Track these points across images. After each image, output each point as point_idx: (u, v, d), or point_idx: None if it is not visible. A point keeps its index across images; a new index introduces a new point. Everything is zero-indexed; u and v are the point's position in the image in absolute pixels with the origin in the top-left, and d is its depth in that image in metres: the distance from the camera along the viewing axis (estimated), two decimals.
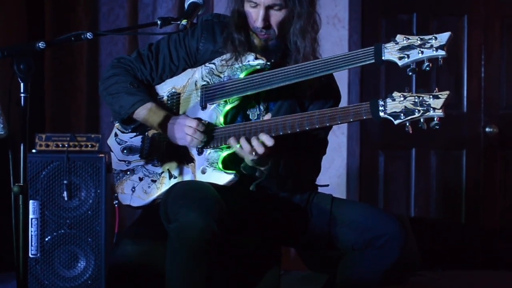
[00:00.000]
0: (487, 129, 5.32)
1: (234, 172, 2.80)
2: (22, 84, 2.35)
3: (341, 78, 4.98)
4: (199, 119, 2.88)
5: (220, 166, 2.83)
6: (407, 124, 2.59)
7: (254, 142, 2.69)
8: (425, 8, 5.31)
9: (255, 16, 2.85)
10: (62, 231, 3.63)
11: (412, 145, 5.29)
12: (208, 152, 2.86)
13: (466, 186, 5.34)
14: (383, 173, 5.30)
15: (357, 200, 5.08)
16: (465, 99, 5.34)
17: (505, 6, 5.37)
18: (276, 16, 2.86)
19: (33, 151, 3.67)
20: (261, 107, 2.96)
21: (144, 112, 2.94)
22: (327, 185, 3.10)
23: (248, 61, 2.88)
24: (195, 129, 2.84)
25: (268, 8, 2.84)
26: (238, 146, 2.72)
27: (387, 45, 2.65)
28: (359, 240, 2.79)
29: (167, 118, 2.91)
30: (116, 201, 3.10)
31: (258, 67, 2.88)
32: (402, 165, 5.32)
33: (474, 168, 5.34)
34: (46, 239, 3.61)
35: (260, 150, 2.68)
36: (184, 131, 2.85)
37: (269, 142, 2.68)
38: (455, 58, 5.30)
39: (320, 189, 3.05)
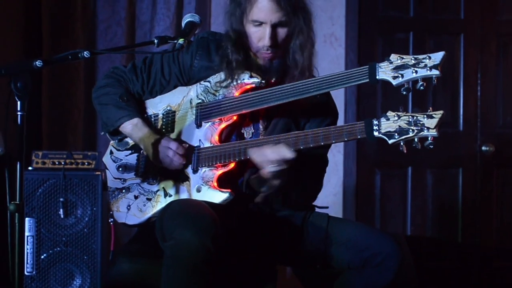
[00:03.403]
0: (483, 148, 5.32)
1: (229, 190, 2.80)
2: (19, 103, 2.35)
3: (338, 98, 4.98)
4: (181, 141, 2.88)
5: (215, 184, 2.83)
6: (401, 143, 2.60)
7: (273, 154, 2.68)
8: (422, 27, 5.32)
9: (261, 35, 2.84)
10: (58, 248, 3.62)
11: (408, 163, 5.29)
12: (203, 170, 2.85)
13: (462, 205, 5.33)
14: (380, 191, 5.30)
15: (353, 219, 5.08)
16: (461, 117, 5.34)
17: (501, 25, 5.39)
18: (282, 33, 2.85)
19: (30, 168, 3.67)
20: (260, 126, 2.96)
21: (130, 127, 2.96)
22: (326, 207, 3.09)
23: (243, 79, 2.88)
24: (174, 151, 2.84)
25: (274, 26, 2.83)
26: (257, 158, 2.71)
27: (381, 64, 2.66)
28: (355, 259, 2.79)
29: (151, 137, 2.91)
30: (112, 219, 3.10)
31: (253, 85, 2.88)
32: (398, 184, 5.32)
33: (470, 187, 5.34)
34: (42, 256, 3.61)
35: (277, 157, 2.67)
36: (165, 153, 2.85)
37: (290, 154, 2.67)
38: (451, 76, 5.32)
39: (316, 209, 3.05)
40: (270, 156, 2.67)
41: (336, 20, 5.18)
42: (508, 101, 5.39)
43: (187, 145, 2.88)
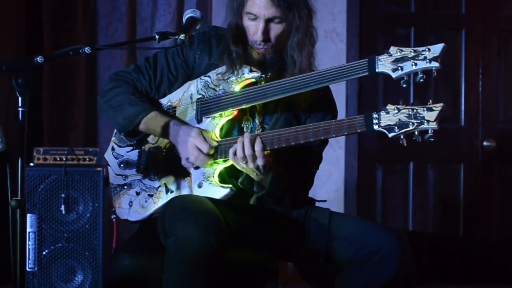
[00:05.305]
0: (484, 143, 5.33)
1: (230, 186, 2.79)
2: (20, 98, 2.35)
3: (339, 93, 4.99)
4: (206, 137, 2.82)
5: (216, 180, 2.82)
6: (402, 136, 2.59)
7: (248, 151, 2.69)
8: (423, 22, 5.32)
9: (255, 29, 2.84)
10: (60, 244, 3.63)
11: (410, 159, 5.29)
12: None
13: (463, 200, 5.34)
14: (381, 187, 5.30)
15: (355, 214, 5.08)
16: (462, 113, 5.35)
17: (502, 21, 5.39)
18: (276, 29, 2.85)
19: (31, 164, 3.67)
20: (257, 121, 2.96)
21: (150, 122, 2.89)
22: (325, 201, 3.09)
23: (243, 74, 2.88)
24: (199, 151, 2.78)
25: (268, 21, 2.83)
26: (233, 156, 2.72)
27: (380, 57, 2.65)
28: (357, 255, 2.79)
29: (175, 127, 2.85)
30: (114, 216, 3.09)
31: (253, 80, 2.87)
32: (400, 179, 5.32)
33: (471, 182, 5.35)
34: (44, 252, 3.61)
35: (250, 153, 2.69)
36: (190, 151, 2.80)
37: (257, 146, 2.68)
38: (452, 72, 5.32)
39: (317, 204, 3.05)
40: (239, 154, 2.71)
41: (337, 15, 5.18)
42: (509, 97, 5.39)
43: (215, 143, 2.82)
